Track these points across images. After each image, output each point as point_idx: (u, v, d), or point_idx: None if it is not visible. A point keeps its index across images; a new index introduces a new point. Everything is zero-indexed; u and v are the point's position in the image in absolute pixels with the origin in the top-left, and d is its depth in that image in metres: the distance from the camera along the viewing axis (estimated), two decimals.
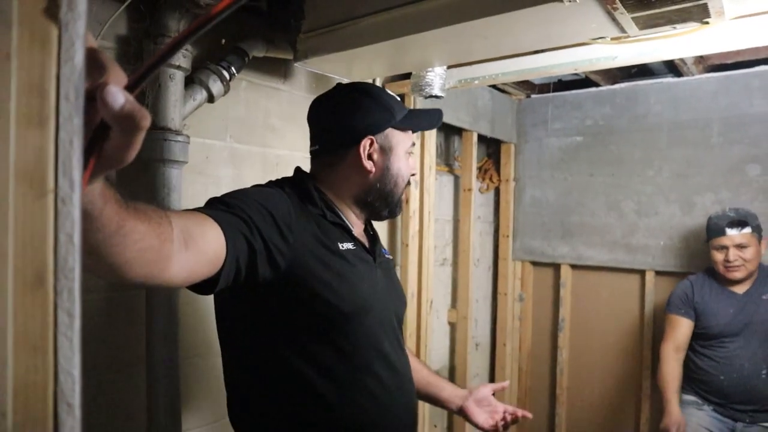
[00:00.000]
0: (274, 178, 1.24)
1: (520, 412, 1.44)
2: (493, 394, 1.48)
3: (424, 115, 1.29)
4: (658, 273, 2.85)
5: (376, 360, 1.12)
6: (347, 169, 1.19)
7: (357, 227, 1.22)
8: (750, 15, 1.41)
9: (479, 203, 3.21)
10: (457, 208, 3.00)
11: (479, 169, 3.21)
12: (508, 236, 3.26)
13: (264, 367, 1.09)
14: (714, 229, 2.35)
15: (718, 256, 2.33)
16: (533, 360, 3.32)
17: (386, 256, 1.30)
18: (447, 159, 3.02)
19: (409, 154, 1.25)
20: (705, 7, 1.21)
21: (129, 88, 0.43)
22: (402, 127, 1.21)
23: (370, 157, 1.18)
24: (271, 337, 1.08)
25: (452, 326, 2.98)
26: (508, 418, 1.43)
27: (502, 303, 3.25)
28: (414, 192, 2.46)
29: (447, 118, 2.62)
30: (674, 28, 1.36)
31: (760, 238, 2.32)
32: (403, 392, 1.18)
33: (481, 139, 3.01)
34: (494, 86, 2.98)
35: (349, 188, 1.20)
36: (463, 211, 2.92)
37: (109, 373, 1.52)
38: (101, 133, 0.43)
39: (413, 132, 1.26)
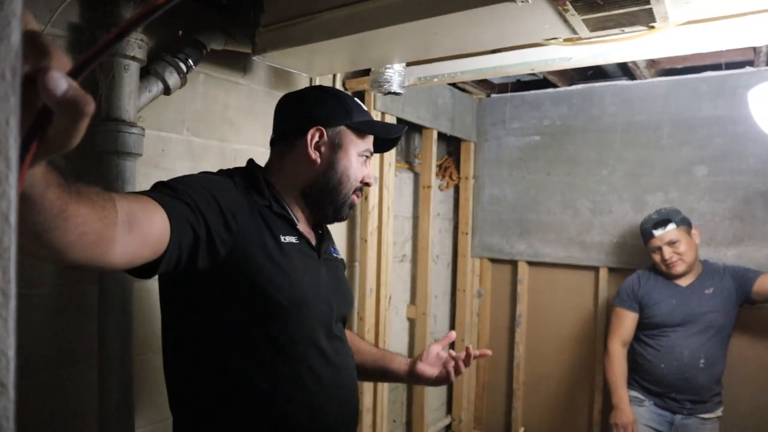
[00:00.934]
0: (219, 169, 1.25)
1: (477, 352, 1.44)
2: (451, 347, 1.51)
3: (385, 127, 1.32)
4: (611, 270, 2.95)
5: (313, 355, 1.12)
6: (295, 158, 1.21)
7: (303, 222, 1.23)
8: (693, 22, 1.48)
9: (439, 200, 3.25)
10: (417, 205, 3.04)
11: (439, 166, 3.26)
12: (467, 233, 3.32)
13: (200, 356, 1.10)
14: (644, 234, 2.48)
15: (656, 257, 2.45)
16: (491, 355, 3.37)
17: (334, 254, 1.32)
18: (407, 156, 3.05)
19: (364, 160, 1.24)
20: (650, 11, 1.27)
21: (72, 74, 0.43)
22: (357, 128, 1.22)
23: (317, 147, 1.20)
24: (208, 325, 1.08)
25: (411, 322, 3.02)
26: (461, 364, 1.42)
27: (460, 299, 3.30)
28: (373, 188, 2.48)
29: (408, 116, 2.66)
30: (623, 31, 1.42)
31: (689, 230, 2.42)
32: (342, 388, 1.19)
33: (441, 137, 3.06)
34: (455, 85, 3.03)
35: (294, 178, 1.21)
36: (422, 208, 2.96)
37: (60, 370, 1.50)
38: (44, 118, 0.43)
39: (371, 136, 1.26)
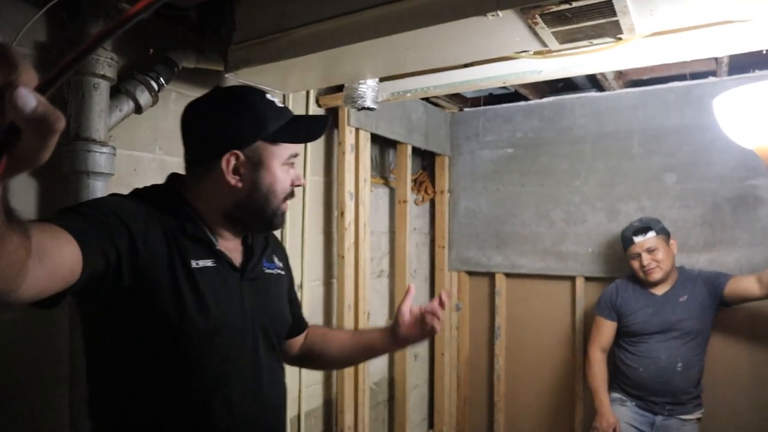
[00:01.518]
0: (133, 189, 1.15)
1: (444, 295, 1.36)
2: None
3: (304, 124, 1.19)
4: (587, 279, 2.99)
5: (226, 383, 1.07)
6: (213, 182, 1.10)
7: (228, 239, 1.15)
8: (659, 33, 1.53)
9: (415, 215, 3.26)
10: (393, 220, 3.05)
11: (414, 181, 3.27)
12: (443, 247, 3.33)
13: (109, 385, 1.06)
14: (625, 240, 2.56)
15: (635, 264, 2.52)
16: (471, 368, 3.39)
17: (267, 270, 1.23)
18: (382, 171, 3.06)
19: (289, 166, 1.15)
20: (617, 23, 1.30)
21: (40, 89, 0.42)
22: (274, 140, 1.11)
23: (236, 170, 1.10)
24: (116, 354, 1.03)
25: None
26: (438, 311, 1.34)
27: None
28: (349, 204, 2.48)
29: (381, 131, 2.67)
30: (591, 43, 1.45)
31: (667, 240, 2.51)
32: (261, 417, 1.12)
33: (416, 151, 3.08)
34: (428, 100, 3.06)
35: (216, 202, 1.12)
36: (398, 223, 2.97)
37: (29, 394, 1.45)
38: (12, 134, 0.42)
39: (294, 141, 1.15)
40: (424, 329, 1.33)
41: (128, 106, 1.57)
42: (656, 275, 2.46)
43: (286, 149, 1.13)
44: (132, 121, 1.65)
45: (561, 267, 3.03)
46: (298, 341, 1.41)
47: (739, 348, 2.63)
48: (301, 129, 1.17)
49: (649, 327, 2.48)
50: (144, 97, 1.59)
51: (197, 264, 1.05)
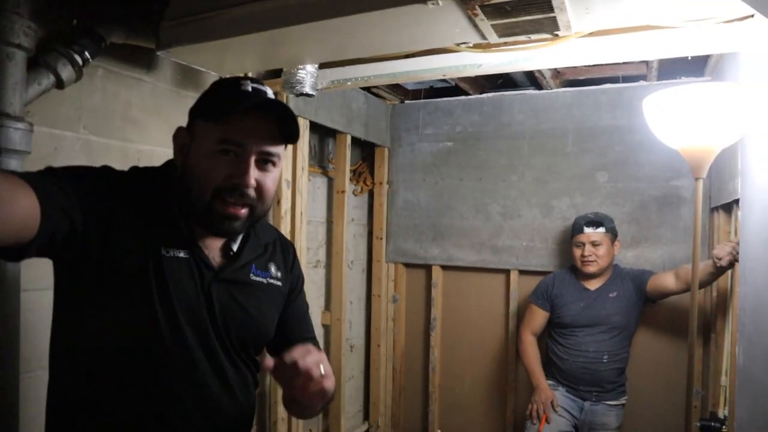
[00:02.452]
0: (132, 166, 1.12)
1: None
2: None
3: (243, 100, 1.00)
4: (521, 272, 3.06)
5: (175, 376, 1.02)
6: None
7: (205, 237, 1.07)
8: (594, 34, 1.57)
9: (353, 206, 3.25)
10: (331, 210, 3.02)
11: (353, 171, 3.25)
12: (381, 238, 3.33)
13: (63, 365, 1.03)
14: (575, 227, 2.67)
15: (577, 252, 2.63)
16: (407, 360, 3.41)
17: (255, 277, 1.14)
18: (321, 161, 3.02)
19: (225, 154, 1.00)
20: (554, 20, 1.33)
21: None
22: (209, 115, 1.02)
23: (181, 149, 1.06)
24: (74, 328, 1.01)
25: (326, 328, 2.98)
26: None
27: (376, 304, 3.31)
28: (286, 192, 2.43)
29: (321, 119, 2.63)
30: (529, 38, 1.47)
31: (613, 240, 2.62)
32: (207, 416, 1.06)
33: (356, 142, 3.05)
34: (369, 90, 3.04)
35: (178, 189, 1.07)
36: (336, 213, 2.94)
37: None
38: None
39: (236, 122, 0.99)
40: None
41: (48, 80, 1.47)
42: (591, 268, 2.58)
43: (221, 130, 0.99)
44: (53, 96, 1.55)
45: (496, 260, 3.09)
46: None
47: (660, 340, 2.77)
48: (238, 103, 0.99)
49: (579, 320, 2.61)
50: (66, 72, 1.49)
51: (168, 253, 1.01)
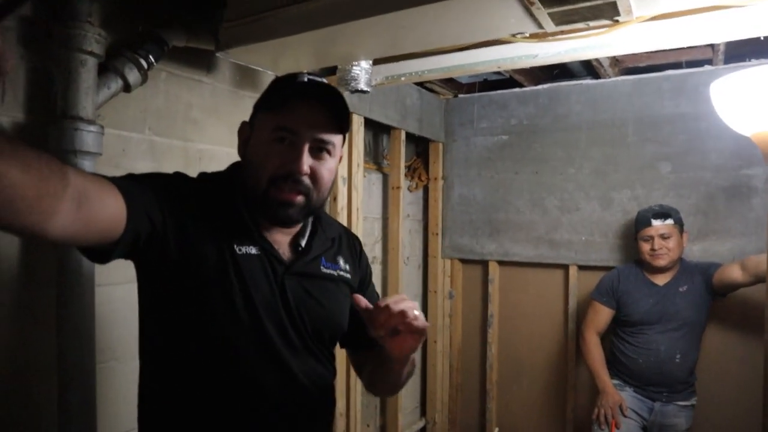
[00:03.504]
0: (200, 172, 1.16)
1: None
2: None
3: (299, 86, 1.06)
4: (580, 267, 2.99)
5: (255, 372, 1.04)
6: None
7: (271, 231, 1.10)
8: (656, 18, 1.52)
9: (408, 201, 3.25)
10: (387, 206, 3.03)
11: (408, 167, 3.26)
12: (437, 234, 3.32)
13: (153, 359, 1.07)
14: (641, 221, 2.55)
15: (645, 246, 2.52)
16: (464, 356, 3.40)
17: (326, 270, 1.16)
18: (376, 157, 3.04)
19: (280, 142, 1.04)
20: (614, 5, 1.29)
21: None
22: (266, 106, 1.08)
23: (245, 143, 1.11)
24: (161, 327, 1.05)
25: None
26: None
27: (432, 300, 3.30)
28: (342, 189, 2.46)
29: (375, 116, 2.65)
30: (588, 25, 1.44)
31: (681, 231, 2.52)
32: (294, 404, 1.08)
33: (410, 137, 3.06)
34: (422, 85, 3.04)
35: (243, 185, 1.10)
36: (392, 209, 2.96)
37: (15, 382, 1.43)
38: None
39: (292, 110, 1.03)
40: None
41: (116, 84, 1.54)
42: (662, 261, 2.47)
43: (277, 118, 1.04)
44: (121, 100, 1.63)
45: (554, 255, 3.03)
46: (364, 356, 1.32)
47: (731, 337, 2.64)
48: (293, 89, 1.05)
49: (649, 317, 2.50)
50: (133, 76, 1.56)
51: (240, 250, 1.03)
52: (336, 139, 1.08)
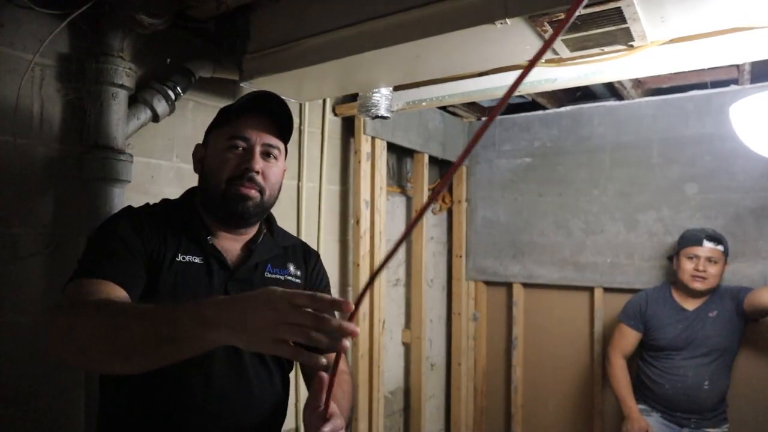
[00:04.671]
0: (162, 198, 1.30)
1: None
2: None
3: (248, 102, 1.20)
4: (606, 290, 2.95)
5: (197, 382, 1.09)
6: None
7: (224, 239, 1.21)
8: (675, 41, 1.52)
9: (432, 224, 3.27)
10: None
11: (431, 190, 3.28)
12: (461, 256, 3.32)
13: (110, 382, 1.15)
14: (691, 239, 2.47)
15: (688, 265, 2.44)
16: (488, 379, 3.36)
17: (271, 275, 1.23)
18: (399, 180, 3.07)
19: (234, 149, 1.17)
20: (627, 30, 1.30)
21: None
22: (217, 124, 1.24)
23: (200, 161, 1.25)
24: None
25: (406, 347, 3.00)
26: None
27: (456, 323, 3.29)
28: (365, 212, 2.49)
29: (398, 140, 2.69)
30: (603, 51, 1.45)
31: (725, 261, 2.44)
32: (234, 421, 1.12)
33: (433, 160, 3.08)
34: (445, 109, 3.07)
35: (200, 198, 1.24)
36: (415, 232, 2.97)
37: (44, 398, 1.48)
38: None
39: (239, 121, 1.19)
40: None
41: (146, 114, 1.61)
42: (701, 285, 2.41)
43: (227, 129, 1.18)
44: (149, 129, 1.70)
45: (579, 277, 3.00)
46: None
47: (764, 362, 2.57)
48: (238, 104, 1.19)
49: (677, 343, 2.43)
50: (161, 106, 1.63)
51: (183, 258, 1.13)
52: (280, 144, 1.24)
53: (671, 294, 2.54)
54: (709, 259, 2.41)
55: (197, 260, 1.14)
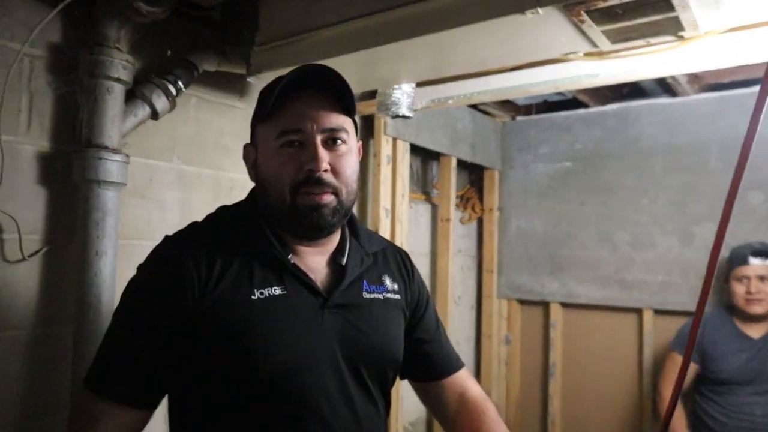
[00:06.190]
0: (226, 203, 1.19)
1: None
2: None
3: (289, 79, 1.04)
4: (656, 312, 2.91)
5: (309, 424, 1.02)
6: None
7: (305, 256, 1.10)
8: (733, 30, 1.49)
9: (460, 235, 3.26)
10: (435, 240, 3.05)
11: (460, 197, 3.27)
12: (492, 271, 3.30)
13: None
14: (736, 259, 2.44)
15: (739, 288, 2.41)
16: (522, 410, 3.33)
17: (368, 295, 1.14)
18: (424, 186, 3.07)
19: (288, 147, 1.04)
20: (677, 19, 1.29)
21: None
22: (264, 117, 1.07)
23: (254, 166, 1.12)
24: (192, 402, 1.06)
25: None
26: None
27: (486, 346, 3.27)
28: (384, 221, 2.50)
29: (423, 142, 2.69)
30: (648, 42, 1.44)
31: None
32: None
33: (462, 164, 3.08)
34: (475, 107, 3.07)
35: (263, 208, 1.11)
36: (441, 244, 2.97)
37: (31, 420, 1.51)
38: None
39: (287, 112, 1.04)
40: None
41: (144, 111, 1.64)
42: (759, 308, 2.37)
43: (277, 124, 1.04)
44: (148, 127, 1.72)
45: (626, 297, 2.96)
46: (438, 388, 1.30)
47: None
48: (284, 93, 1.03)
49: (741, 376, 2.38)
50: (161, 102, 1.65)
51: (261, 294, 1.02)
52: (345, 122, 1.08)
53: (732, 319, 2.48)
54: (760, 278, 2.37)
55: (278, 291, 1.03)
